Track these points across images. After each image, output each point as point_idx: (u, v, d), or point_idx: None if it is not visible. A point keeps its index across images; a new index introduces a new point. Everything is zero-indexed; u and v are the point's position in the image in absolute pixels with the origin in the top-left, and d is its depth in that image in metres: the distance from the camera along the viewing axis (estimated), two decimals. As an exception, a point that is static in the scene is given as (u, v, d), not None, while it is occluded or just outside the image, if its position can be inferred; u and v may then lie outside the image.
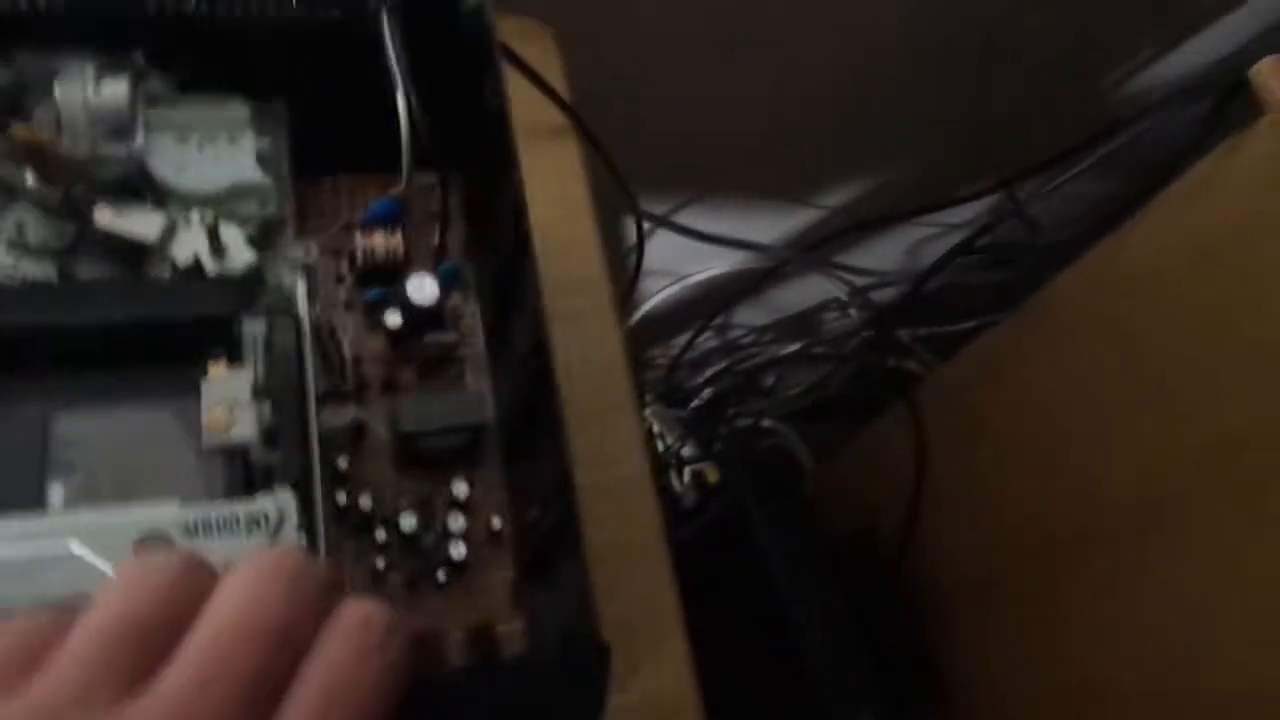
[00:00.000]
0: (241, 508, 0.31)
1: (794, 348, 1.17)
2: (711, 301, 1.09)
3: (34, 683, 0.19)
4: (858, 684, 0.85)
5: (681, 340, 1.12)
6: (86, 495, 0.34)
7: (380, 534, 0.40)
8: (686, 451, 1.00)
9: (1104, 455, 0.71)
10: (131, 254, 0.39)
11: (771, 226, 1.00)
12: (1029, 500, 0.80)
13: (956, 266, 1.03)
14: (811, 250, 0.99)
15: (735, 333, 1.19)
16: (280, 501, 0.31)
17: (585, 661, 0.31)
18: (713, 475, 1.02)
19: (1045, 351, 0.77)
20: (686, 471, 0.98)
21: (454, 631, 0.40)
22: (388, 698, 0.21)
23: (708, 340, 1.17)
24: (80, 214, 0.39)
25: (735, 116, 0.86)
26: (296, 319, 0.35)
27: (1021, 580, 0.83)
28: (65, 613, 0.20)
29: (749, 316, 1.18)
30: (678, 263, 1.03)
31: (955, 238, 1.08)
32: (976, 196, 0.83)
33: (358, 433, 0.42)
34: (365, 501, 0.41)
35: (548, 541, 0.37)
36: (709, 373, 1.17)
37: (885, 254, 1.11)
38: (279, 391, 0.33)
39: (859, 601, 0.89)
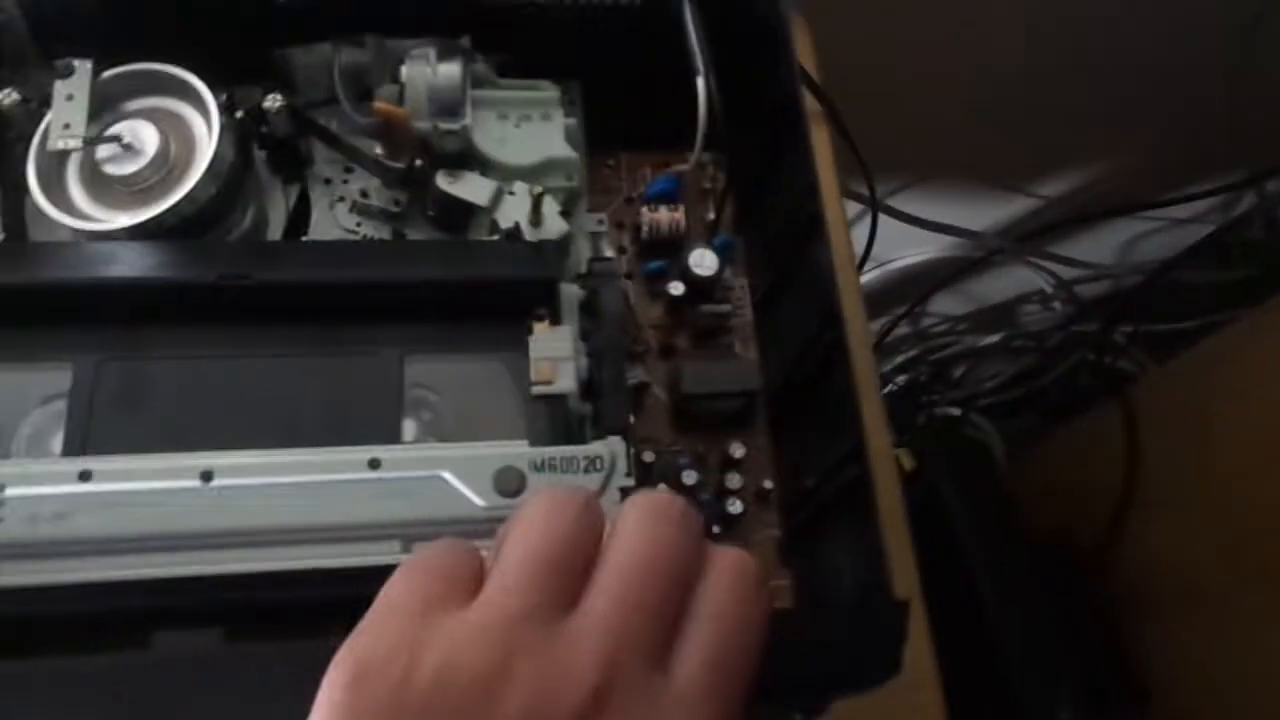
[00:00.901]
0: (580, 450, 0.34)
1: (994, 339, 1.15)
2: (912, 287, 1.08)
3: (474, 604, 0.21)
4: (1056, 682, 0.84)
5: (878, 325, 1.12)
6: (432, 431, 0.38)
7: (661, 486, 0.43)
8: (881, 436, 1.00)
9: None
10: (459, 219, 0.43)
11: (982, 215, 0.99)
12: (1259, 515, 0.77)
13: (1174, 265, 0.99)
14: (1023, 241, 0.97)
15: (930, 321, 1.18)
16: (612, 446, 0.35)
17: (886, 613, 0.33)
18: (907, 462, 1.02)
19: (1289, 354, 0.73)
20: (882, 456, 0.98)
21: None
22: (762, 641, 0.22)
23: (902, 327, 1.17)
24: (416, 183, 0.43)
25: (956, 97, 0.85)
26: (622, 284, 0.38)
27: (1239, 598, 0.80)
28: (467, 543, 0.23)
29: (947, 305, 1.17)
30: (882, 248, 1.03)
31: (1172, 235, 1.04)
32: (1226, 190, 0.80)
33: (640, 392, 0.45)
34: (648, 456, 0.44)
35: (829, 503, 0.40)
36: (901, 358, 1.17)
37: (1097, 248, 1.07)
38: (606, 347, 0.36)
39: (1058, 599, 0.88)
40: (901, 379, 1.14)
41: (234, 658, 0.30)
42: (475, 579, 0.22)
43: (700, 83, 0.43)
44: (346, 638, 0.21)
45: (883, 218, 0.93)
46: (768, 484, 0.44)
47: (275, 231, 0.44)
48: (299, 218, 0.44)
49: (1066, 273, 1.09)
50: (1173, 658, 0.88)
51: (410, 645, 0.20)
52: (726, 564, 0.23)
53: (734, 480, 0.43)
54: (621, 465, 0.34)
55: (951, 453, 0.99)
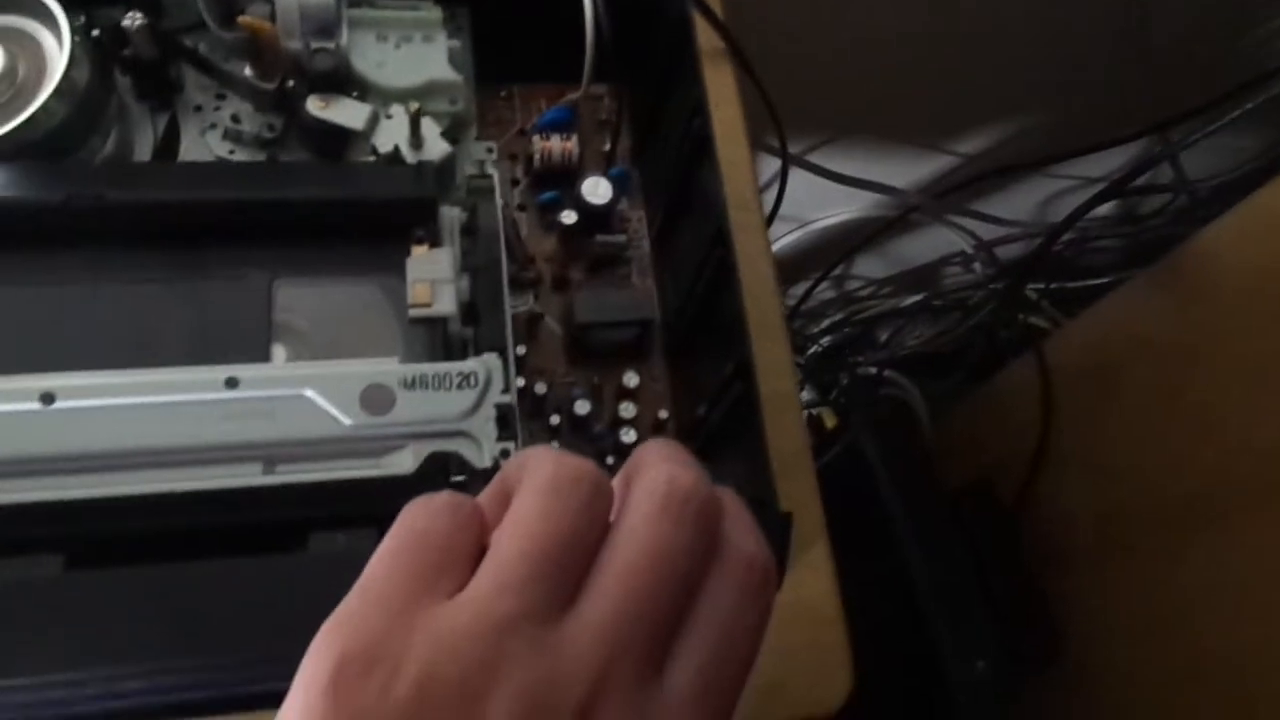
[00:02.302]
0: (454, 366, 0.33)
1: (914, 299, 1.16)
2: (833, 250, 1.08)
3: (465, 600, 0.19)
4: (974, 635, 0.85)
5: (799, 290, 1.12)
6: (303, 356, 0.36)
7: (554, 419, 0.42)
8: (803, 396, 1.01)
9: (1253, 410, 0.69)
10: (335, 144, 0.41)
11: (900, 173, 0.99)
12: (1168, 459, 0.78)
13: (1086, 224, 1.01)
14: (942, 198, 0.98)
15: (854, 284, 1.19)
16: (487, 363, 0.33)
17: (769, 528, 0.32)
18: (830, 420, 1.03)
19: (1192, 305, 0.74)
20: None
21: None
22: (758, 648, 0.21)
23: (824, 290, 1.17)
24: (289, 106, 0.42)
25: (869, 54, 0.85)
26: (497, 203, 0.37)
27: (1151, 542, 0.82)
28: (465, 501, 0.21)
29: (869, 268, 1.17)
30: (800, 208, 1.03)
31: (1088, 192, 1.06)
32: (1129, 139, 0.81)
33: (532, 323, 0.44)
34: (540, 388, 0.43)
35: (719, 428, 0.39)
36: (826, 322, 1.17)
37: (1015, 205, 1.08)
38: (483, 267, 0.35)
39: (976, 554, 0.89)
40: (826, 340, 1.15)
41: (72, 584, 0.28)
42: (474, 548, 0.21)
43: (588, 9, 0.42)
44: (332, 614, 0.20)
45: (802, 175, 0.93)
46: (663, 414, 0.43)
47: (142, 159, 0.41)
48: (168, 146, 0.42)
49: (985, 233, 1.10)
50: (1088, 607, 0.90)
51: (397, 644, 0.19)
52: (738, 565, 0.21)
53: (628, 410, 0.42)
54: (498, 382, 0.33)
55: (873, 411, 0.99)
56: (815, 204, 1.01)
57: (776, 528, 0.32)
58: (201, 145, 0.42)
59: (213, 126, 0.42)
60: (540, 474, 0.21)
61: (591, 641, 0.19)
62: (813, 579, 0.48)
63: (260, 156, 0.42)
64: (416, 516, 0.21)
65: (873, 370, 1.09)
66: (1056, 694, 0.92)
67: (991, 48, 0.87)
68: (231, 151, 0.42)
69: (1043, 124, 0.98)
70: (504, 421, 0.33)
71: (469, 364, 0.33)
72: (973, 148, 1.00)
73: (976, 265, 1.16)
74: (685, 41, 0.42)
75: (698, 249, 0.41)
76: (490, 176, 0.38)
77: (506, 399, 0.33)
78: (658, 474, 0.21)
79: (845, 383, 1.07)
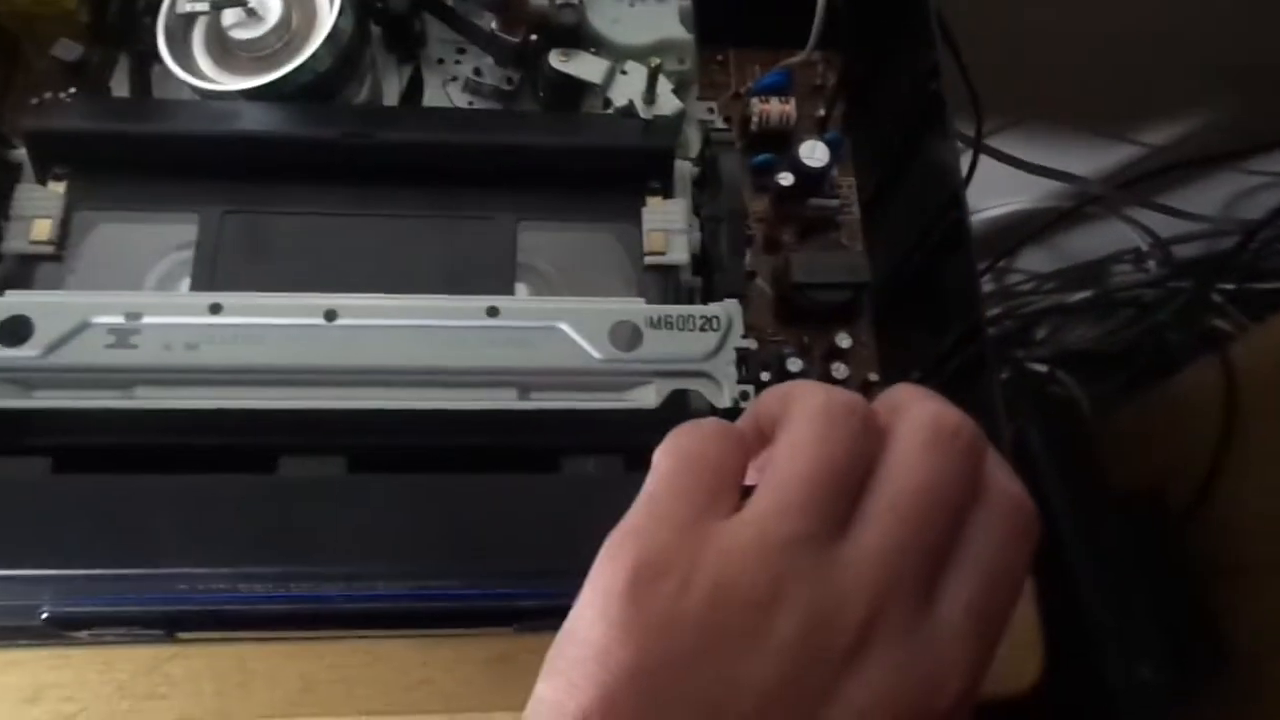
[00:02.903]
0: (697, 309, 0.34)
1: (1080, 296, 1.12)
2: (999, 240, 1.06)
3: (747, 518, 0.20)
4: (1139, 638, 0.82)
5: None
6: (543, 295, 0.38)
7: (764, 375, 0.43)
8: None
9: None
10: (569, 99, 0.43)
11: (1082, 162, 0.96)
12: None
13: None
14: (1125, 188, 0.94)
15: (1017, 277, 1.16)
16: (729, 308, 0.34)
17: None
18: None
19: None
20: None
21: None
22: (1024, 580, 0.21)
23: (987, 283, 1.14)
24: (529, 61, 0.43)
25: (1054, 37, 0.83)
26: (739, 152, 0.37)
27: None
28: (730, 428, 0.22)
29: (1033, 262, 1.14)
30: (973, 195, 1.00)
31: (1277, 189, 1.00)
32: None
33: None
34: (751, 344, 0.43)
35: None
36: (989, 314, 1.14)
37: (1200, 200, 1.03)
38: (724, 213, 0.36)
39: (1145, 557, 0.86)
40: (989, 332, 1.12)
41: (355, 486, 0.31)
42: (741, 473, 0.22)
43: (820, -31, 0.42)
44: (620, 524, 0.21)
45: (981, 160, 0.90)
46: (873, 376, 0.43)
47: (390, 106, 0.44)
48: (412, 97, 0.45)
49: (1164, 229, 1.06)
50: (1260, 621, 0.85)
51: (686, 556, 0.20)
52: (1004, 504, 0.21)
53: (839, 370, 0.43)
54: (738, 326, 0.34)
55: (1038, 409, 0.97)
56: (986, 191, 0.99)
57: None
58: (442, 96, 0.44)
59: (454, 79, 0.44)
60: (813, 402, 0.21)
61: (869, 565, 0.20)
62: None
63: (497, 108, 0.44)
64: (691, 439, 0.22)
65: (1038, 367, 1.05)
66: (1219, 709, 0.87)
67: (1183, 34, 0.83)
68: (470, 103, 0.44)
69: (1235, 115, 0.93)
70: (744, 364, 0.34)
71: (712, 308, 0.34)
72: (1159, 139, 0.96)
73: (1150, 263, 1.11)
74: (918, 6, 0.42)
75: (921, 214, 0.41)
76: (729, 129, 0.39)
77: (747, 343, 0.34)
78: (922, 409, 0.21)
79: (1008, 378, 1.04)
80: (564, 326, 0.33)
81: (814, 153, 0.45)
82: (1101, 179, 0.96)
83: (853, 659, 0.19)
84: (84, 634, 0.34)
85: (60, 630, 0.32)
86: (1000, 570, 0.21)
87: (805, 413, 0.21)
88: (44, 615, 0.31)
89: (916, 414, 0.21)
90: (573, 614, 0.20)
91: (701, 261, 0.38)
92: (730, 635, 0.19)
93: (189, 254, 0.37)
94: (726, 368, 0.33)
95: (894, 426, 0.21)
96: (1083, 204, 0.97)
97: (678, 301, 0.37)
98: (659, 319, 0.34)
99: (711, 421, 0.23)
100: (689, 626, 0.19)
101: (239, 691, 0.37)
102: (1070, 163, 0.93)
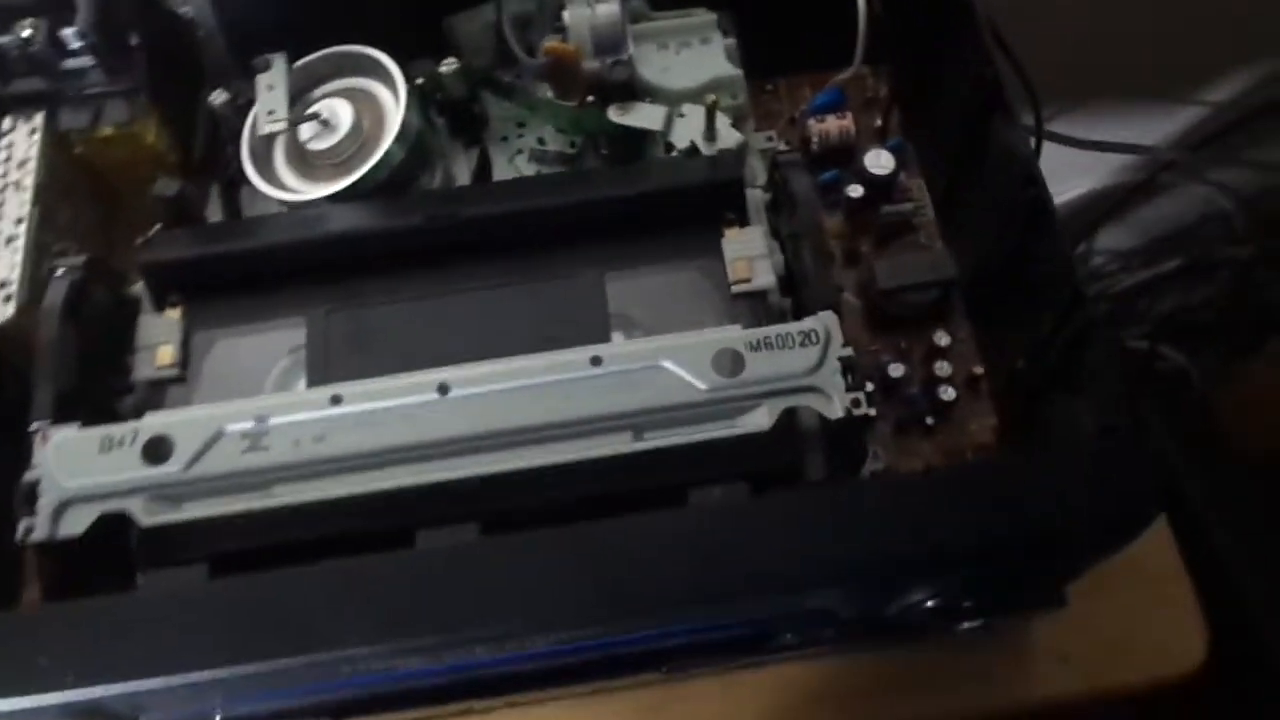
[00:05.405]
0: (794, 326, 0.34)
1: (1169, 266, 1.08)
2: (1074, 225, 1.04)
3: None
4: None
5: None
6: (641, 341, 0.39)
7: (869, 387, 0.43)
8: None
9: None
10: (631, 154, 0.44)
11: (1147, 132, 0.94)
12: None
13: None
14: (1198, 150, 0.91)
15: (1100, 259, 1.13)
16: (824, 320, 0.35)
17: (1129, 455, 0.31)
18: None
19: None
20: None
21: (947, 473, 0.42)
22: None
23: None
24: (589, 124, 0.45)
25: (1098, 11, 0.81)
26: (810, 169, 0.38)
27: None
28: None
29: (1112, 240, 1.11)
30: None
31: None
32: None
33: (832, 298, 0.45)
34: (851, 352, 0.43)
35: (1054, 371, 0.38)
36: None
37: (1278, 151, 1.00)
38: (803, 230, 0.36)
39: (1280, 519, 0.81)
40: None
41: (492, 548, 0.31)
42: None
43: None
44: None
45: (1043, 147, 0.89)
46: (978, 370, 0.43)
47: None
48: (482, 175, 0.46)
49: (1243, 186, 1.02)
50: None
51: None
52: None
53: (943, 368, 0.42)
54: (837, 336, 0.34)
55: (1149, 384, 0.93)
56: (1055, 177, 0.97)
57: (1142, 460, 0.31)
58: (511, 169, 0.46)
59: (519, 152, 0.46)
60: None
61: None
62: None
63: (563, 171, 0.45)
64: None
65: (1139, 344, 1.02)
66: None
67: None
68: (538, 171, 0.46)
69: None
70: (850, 373, 0.34)
71: (807, 322, 0.35)
72: (1224, 94, 0.94)
73: (1237, 221, 1.07)
74: (965, 7, 0.42)
75: (998, 200, 0.41)
76: (794, 149, 0.40)
77: (848, 351, 0.34)
78: None
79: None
80: (667, 363, 0.34)
81: (879, 160, 0.45)
82: (1171, 144, 0.94)
83: None
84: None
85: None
86: None
87: None
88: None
89: None
90: None
91: (787, 281, 0.38)
92: None
93: (300, 355, 0.38)
94: (833, 378, 0.33)
95: None
96: (1156, 173, 0.95)
97: (770, 324, 0.38)
98: (758, 341, 0.34)
99: None
100: None
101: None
102: (1136, 134, 0.91)
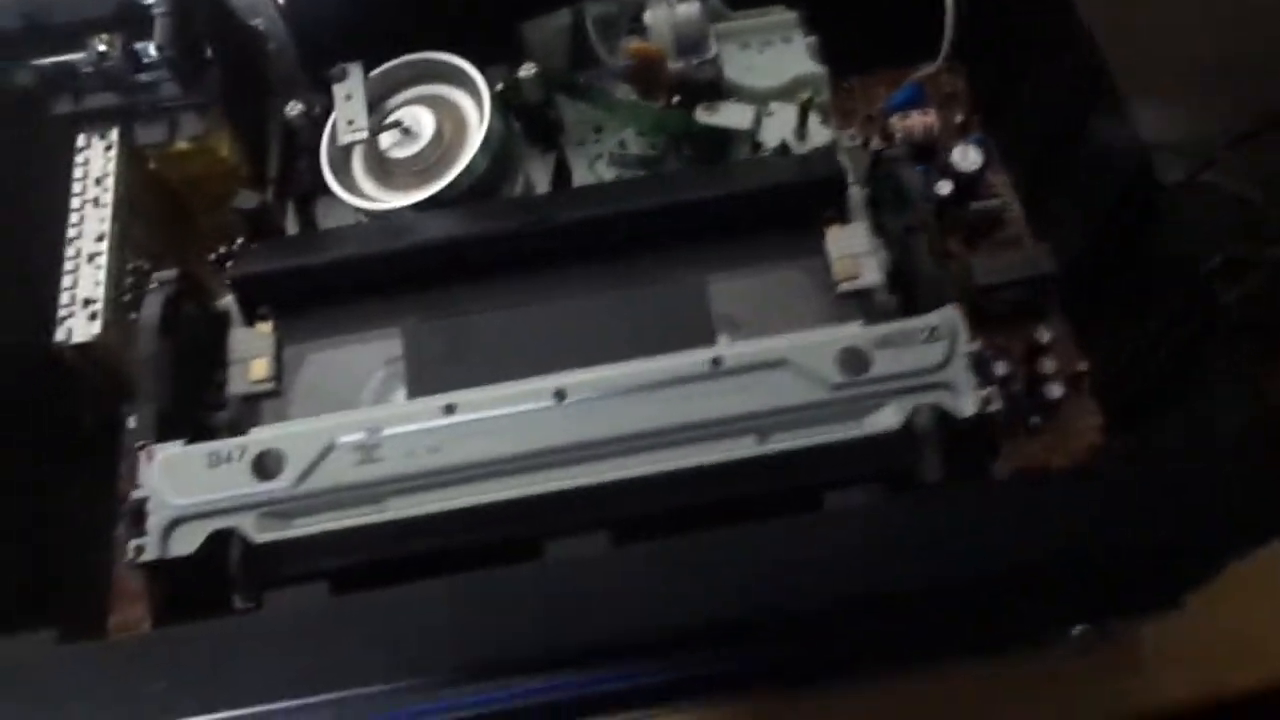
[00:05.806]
0: (919, 322, 0.34)
1: (1208, 264, 1.07)
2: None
3: None
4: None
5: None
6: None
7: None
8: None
9: None
10: (715, 154, 0.44)
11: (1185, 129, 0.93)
12: None
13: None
14: (1233, 147, 0.91)
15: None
16: (948, 315, 0.34)
17: (1263, 459, 0.30)
18: None
19: None
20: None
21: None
22: None
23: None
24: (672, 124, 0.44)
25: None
26: (913, 162, 0.37)
27: None
28: None
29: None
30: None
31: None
32: None
33: (925, 298, 0.44)
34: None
35: (1167, 367, 0.37)
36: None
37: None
38: (917, 223, 0.36)
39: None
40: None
41: (625, 559, 0.30)
42: None
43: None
44: None
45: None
46: (1082, 366, 0.42)
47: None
48: (561, 181, 0.46)
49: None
50: None
51: None
52: None
53: (1047, 365, 0.41)
54: (964, 330, 0.33)
55: None
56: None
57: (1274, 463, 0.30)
58: (591, 174, 0.45)
59: (599, 156, 0.45)
60: None
61: None
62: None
63: (645, 174, 0.44)
64: None
65: None
66: None
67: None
68: (619, 175, 0.45)
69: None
70: (980, 368, 0.33)
71: (932, 317, 0.34)
72: (1264, 92, 0.93)
73: (1271, 222, 1.06)
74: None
75: (1099, 193, 0.40)
76: (899, 145, 0.39)
77: (976, 346, 0.33)
78: None
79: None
80: (791, 363, 0.33)
81: (966, 156, 0.45)
82: (1207, 142, 0.93)
83: None
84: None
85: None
86: None
87: None
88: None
89: None
90: None
91: (895, 278, 0.37)
92: None
93: (397, 366, 0.37)
94: (964, 374, 0.33)
95: None
96: (1197, 172, 0.94)
97: (877, 322, 0.37)
98: (884, 338, 0.33)
99: None
100: None
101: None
102: (1177, 131, 0.91)
